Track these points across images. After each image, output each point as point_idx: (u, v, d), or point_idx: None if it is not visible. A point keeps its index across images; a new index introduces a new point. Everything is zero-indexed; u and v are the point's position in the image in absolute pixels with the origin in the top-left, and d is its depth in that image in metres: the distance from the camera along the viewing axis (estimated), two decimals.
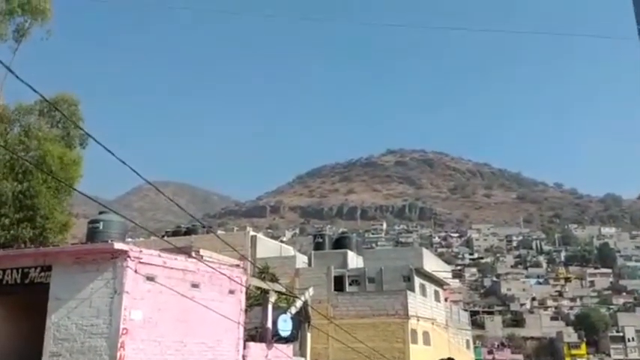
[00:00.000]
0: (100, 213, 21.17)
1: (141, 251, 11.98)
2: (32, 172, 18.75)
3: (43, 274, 11.95)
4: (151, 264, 12.06)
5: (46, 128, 20.14)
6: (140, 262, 11.77)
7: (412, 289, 29.26)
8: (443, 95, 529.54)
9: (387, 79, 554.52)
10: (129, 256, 11.53)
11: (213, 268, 13.55)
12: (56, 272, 11.86)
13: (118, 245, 11.76)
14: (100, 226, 20.25)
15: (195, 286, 13.12)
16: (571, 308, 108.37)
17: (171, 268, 12.59)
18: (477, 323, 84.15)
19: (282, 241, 43.67)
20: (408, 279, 29.99)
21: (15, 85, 21.42)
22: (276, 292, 17.31)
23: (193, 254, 14.20)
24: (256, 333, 16.12)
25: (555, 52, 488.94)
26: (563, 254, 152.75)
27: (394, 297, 27.90)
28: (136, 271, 11.60)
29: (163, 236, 26.91)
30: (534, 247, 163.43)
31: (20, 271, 12.19)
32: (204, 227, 36.40)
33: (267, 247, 31.64)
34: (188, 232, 34.02)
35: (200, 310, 12.92)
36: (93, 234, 20.27)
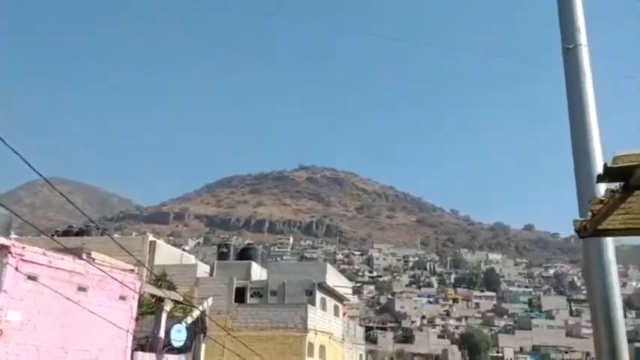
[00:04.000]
0: None
1: (24, 248, 11.02)
2: None
3: None
4: (35, 262, 11.13)
5: None
6: (22, 260, 10.82)
7: (313, 303, 29.43)
8: (350, 115, 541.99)
9: (305, 93, 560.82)
10: (10, 252, 10.57)
11: (104, 272, 12.75)
12: None
13: None
14: None
15: (82, 289, 12.26)
16: (457, 327, 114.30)
17: (57, 269, 11.68)
18: (370, 338, 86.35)
19: (184, 250, 42.27)
20: (310, 293, 30.19)
21: None
22: (172, 300, 16.62)
23: (84, 256, 13.31)
24: (147, 342, 15.35)
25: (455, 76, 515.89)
26: (453, 276, 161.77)
27: (295, 310, 27.90)
28: (16, 269, 10.64)
29: (53, 235, 24.98)
30: (428, 268, 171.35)
31: None
32: (98, 229, 34.39)
33: (167, 255, 30.56)
34: (81, 232, 32.01)
35: (86, 315, 12.07)
36: None
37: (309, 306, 28.55)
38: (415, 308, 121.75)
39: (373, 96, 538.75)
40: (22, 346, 10.60)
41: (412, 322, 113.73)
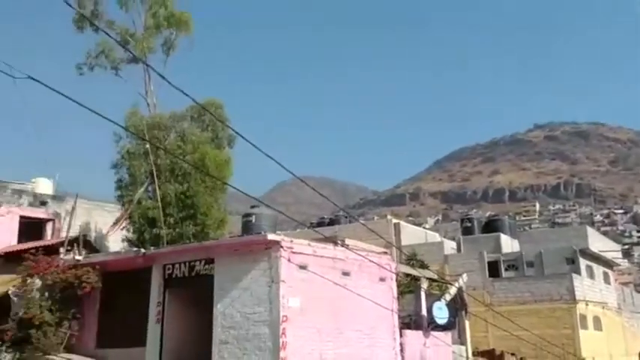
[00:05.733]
0: (252, 207, 22.24)
1: (292, 241, 12.20)
2: (190, 174, 20.23)
3: (207, 266, 12.72)
4: (303, 253, 12.24)
5: (198, 132, 21.60)
6: (292, 252, 11.98)
7: (578, 272, 26.91)
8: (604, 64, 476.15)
9: (536, 48, 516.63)
10: (282, 246, 11.79)
11: (362, 256, 13.37)
12: (219, 264, 12.53)
13: (271, 236, 12.12)
14: (253, 219, 21.29)
15: (345, 274, 13.07)
16: None
17: (322, 257, 12.66)
18: None
19: (425, 228, 42.50)
20: (572, 261, 27.69)
21: (165, 94, 23.29)
22: (427, 278, 16.71)
23: (340, 243, 14.15)
24: (410, 321, 15.67)
25: None
26: None
27: (558, 281, 25.92)
28: (289, 260, 11.83)
29: (309, 227, 27.56)
30: None
31: (187, 264, 13.10)
32: (346, 217, 36.72)
33: (412, 234, 30.97)
34: (331, 222, 34.55)
35: (353, 297, 12.81)
36: (247, 227, 21.37)
37: (574, 275, 26.19)
38: None
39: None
40: (304, 329, 11.75)
41: None
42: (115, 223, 21.12)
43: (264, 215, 21.89)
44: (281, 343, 11.16)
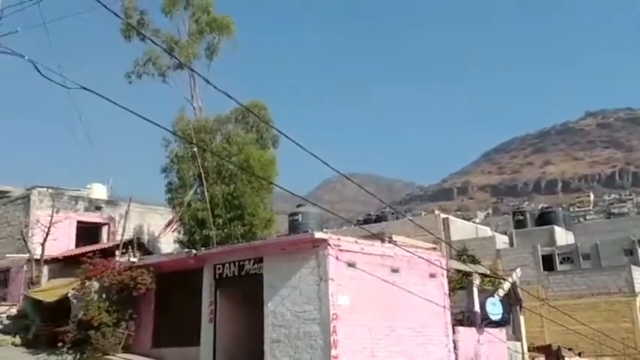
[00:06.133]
0: (298, 206, 22.39)
1: (339, 239, 12.17)
2: (237, 175, 20.55)
3: (256, 265, 12.85)
4: (350, 251, 12.19)
5: (243, 134, 21.91)
6: (340, 250, 11.95)
7: (636, 264, 25.72)
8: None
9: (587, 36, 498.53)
10: (329, 244, 11.77)
11: (411, 252, 13.22)
12: (267, 263, 12.64)
13: (318, 234, 12.13)
14: (300, 218, 21.43)
15: (394, 271, 12.94)
16: None
17: (370, 254, 12.58)
18: None
19: (475, 223, 41.69)
20: (631, 252, 26.60)
21: (209, 98, 23.78)
22: (479, 274, 16.35)
23: (387, 240, 14.03)
24: (463, 317, 15.38)
25: None
26: None
27: (616, 273, 24.87)
28: (337, 258, 11.80)
29: (356, 224, 27.51)
30: None
31: (237, 264, 13.28)
32: (393, 213, 36.47)
33: (461, 229, 30.46)
34: (378, 219, 34.41)
35: (403, 294, 12.67)
36: (293, 226, 21.53)
37: (633, 267, 25.06)
38: None
39: None
40: (355, 327, 11.70)
41: None
42: (167, 226, 21.74)
43: (311, 214, 21.98)
44: (332, 341, 11.14)
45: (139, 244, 18.68)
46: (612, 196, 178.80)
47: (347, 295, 11.70)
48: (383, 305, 12.38)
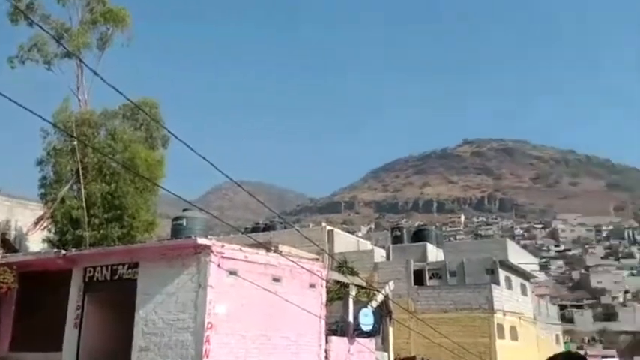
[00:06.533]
0: (184, 211, 21.84)
1: (223, 246, 12.10)
2: (119, 174, 19.61)
3: (130, 270, 12.37)
4: (233, 258, 12.16)
5: (130, 131, 21.00)
6: (223, 257, 11.88)
7: (497, 282, 28.07)
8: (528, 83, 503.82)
9: (464, 65, 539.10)
10: (212, 251, 11.67)
11: (294, 262, 13.49)
12: (143, 268, 12.23)
13: (201, 240, 11.95)
14: (184, 222, 20.86)
15: (276, 280, 13.11)
16: None
17: (253, 263, 12.64)
18: (565, 317, 79.69)
19: (358, 237, 43.36)
20: (492, 272, 28.80)
21: (98, 91, 22.55)
22: (356, 285, 17.06)
23: (273, 249, 14.22)
24: (337, 327, 15.94)
25: None
26: None
27: (478, 290, 26.89)
28: (219, 266, 11.73)
29: (243, 232, 27.40)
30: (626, 236, 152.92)
31: (110, 268, 12.70)
32: (281, 223, 36.81)
33: (345, 242, 31.43)
34: (266, 228, 34.53)
35: (282, 304, 12.88)
36: (177, 231, 20.91)
37: (494, 285, 27.29)
38: (615, 282, 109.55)
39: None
40: (230, 335, 11.68)
41: (613, 297, 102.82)
42: (37, 223, 20.15)
43: (197, 219, 21.50)
44: (204, 350, 11.02)
45: (4, 241, 17.18)
46: (480, 218, 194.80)
47: (225, 304, 11.67)
48: (261, 314, 12.50)
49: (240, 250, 12.53)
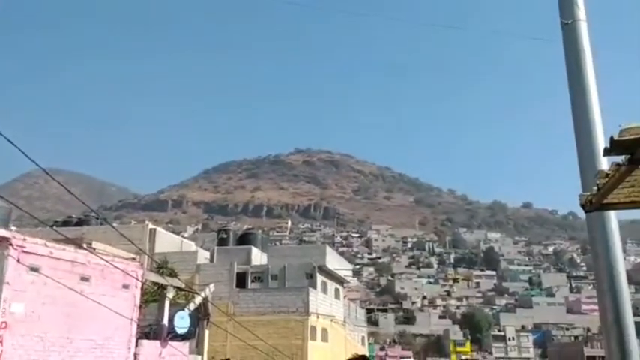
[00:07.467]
0: None
1: (25, 239, 11.02)
2: None
3: None
4: (36, 254, 11.14)
5: None
6: (23, 252, 10.82)
7: (314, 287, 29.52)
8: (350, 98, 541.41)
9: (299, 77, 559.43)
10: (11, 244, 10.57)
11: (106, 261, 12.76)
12: None
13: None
14: None
15: (84, 279, 12.28)
16: (458, 307, 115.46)
17: (59, 259, 11.69)
18: (371, 320, 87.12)
19: (183, 237, 42.29)
20: (311, 276, 30.24)
21: None
22: (174, 287, 16.66)
23: (84, 246, 13.29)
24: (150, 330, 15.40)
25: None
26: (452, 256, 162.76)
27: (296, 294, 28.00)
28: (18, 261, 10.64)
29: (52, 226, 24.94)
30: (427, 248, 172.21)
31: None
32: (98, 218, 34.32)
33: (167, 242, 30.52)
34: (80, 222, 31.95)
35: (89, 304, 12.09)
36: None
37: (310, 289, 28.62)
38: (415, 289, 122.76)
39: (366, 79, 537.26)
40: (26, 337, 10.64)
41: (413, 302, 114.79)
42: None
43: None
44: None
45: None
46: (306, 225, 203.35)
47: (23, 302, 10.61)
48: (64, 314, 11.58)
49: (45, 245, 11.50)
